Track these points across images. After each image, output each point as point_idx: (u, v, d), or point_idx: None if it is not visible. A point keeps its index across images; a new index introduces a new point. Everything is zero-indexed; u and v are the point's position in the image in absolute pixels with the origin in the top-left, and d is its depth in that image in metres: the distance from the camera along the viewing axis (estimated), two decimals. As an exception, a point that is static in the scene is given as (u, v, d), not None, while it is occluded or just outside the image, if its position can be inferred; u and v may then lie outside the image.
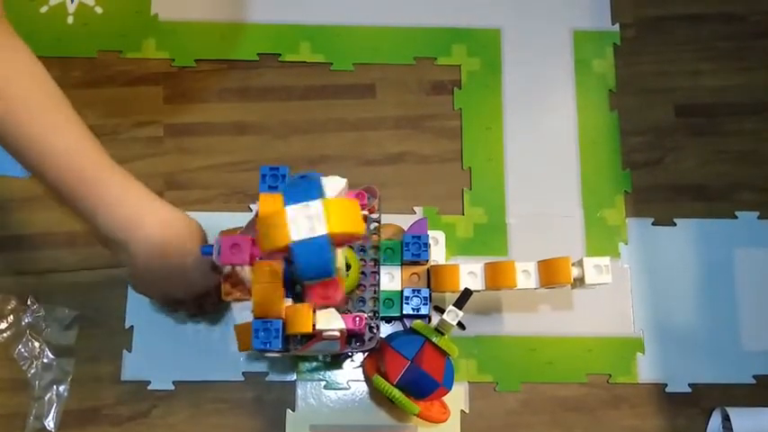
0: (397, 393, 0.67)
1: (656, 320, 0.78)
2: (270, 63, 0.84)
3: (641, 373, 0.77)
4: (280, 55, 0.84)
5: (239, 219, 0.78)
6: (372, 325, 0.67)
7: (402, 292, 0.71)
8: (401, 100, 0.83)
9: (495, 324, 0.77)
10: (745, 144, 0.83)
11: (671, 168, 0.82)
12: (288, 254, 0.47)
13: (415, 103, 0.84)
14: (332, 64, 0.84)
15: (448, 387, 0.69)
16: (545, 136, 0.83)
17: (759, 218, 0.81)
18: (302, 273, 0.47)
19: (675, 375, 0.77)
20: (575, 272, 0.65)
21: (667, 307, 0.78)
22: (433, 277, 0.71)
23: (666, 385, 0.76)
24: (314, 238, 0.46)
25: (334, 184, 0.55)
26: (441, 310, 0.71)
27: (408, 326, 0.70)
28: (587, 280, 0.65)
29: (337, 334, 0.58)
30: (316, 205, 0.47)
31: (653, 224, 0.80)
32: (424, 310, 0.71)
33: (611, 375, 0.76)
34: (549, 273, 0.66)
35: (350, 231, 0.47)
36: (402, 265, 0.72)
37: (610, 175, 0.82)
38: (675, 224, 0.81)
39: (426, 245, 0.70)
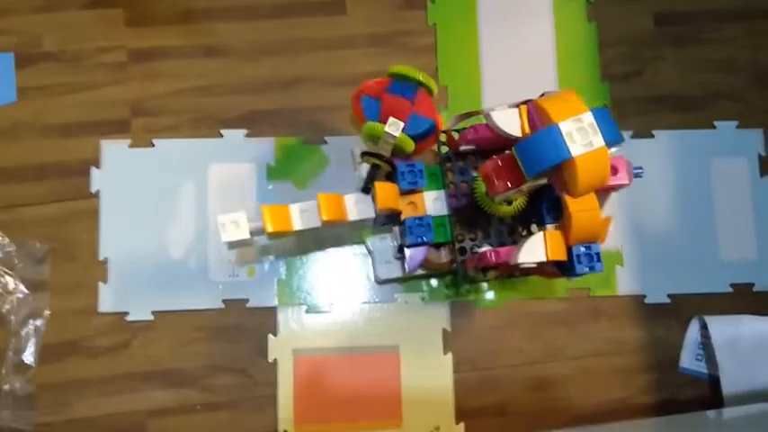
0: None
1: (635, 233, 0.78)
2: (234, -20, 0.80)
3: (620, 286, 0.77)
4: (244, -29, 0.80)
5: (210, 145, 0.76)
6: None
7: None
8: (373, 16, 0.80)
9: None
10: (725, 52, 0.82)
11: (650, 80, 0.81)
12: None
13: (388, 19, 0.81)
14: (299, -20, 0.81)
15: None
16: (522, 49, 0.81)
17: (738, 127, 0.80)
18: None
19: (654, 287, 0.77)
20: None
21: (646, 219, 0.78)
22: None
23: (645, 297, 0.77)
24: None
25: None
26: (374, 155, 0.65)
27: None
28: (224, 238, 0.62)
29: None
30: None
31: (632, 137, 0.79)
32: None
33: (590, 289, 0.77)
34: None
35: None
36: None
37: (588, 87, 0.80)
38: (653, 136, 0.80)
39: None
